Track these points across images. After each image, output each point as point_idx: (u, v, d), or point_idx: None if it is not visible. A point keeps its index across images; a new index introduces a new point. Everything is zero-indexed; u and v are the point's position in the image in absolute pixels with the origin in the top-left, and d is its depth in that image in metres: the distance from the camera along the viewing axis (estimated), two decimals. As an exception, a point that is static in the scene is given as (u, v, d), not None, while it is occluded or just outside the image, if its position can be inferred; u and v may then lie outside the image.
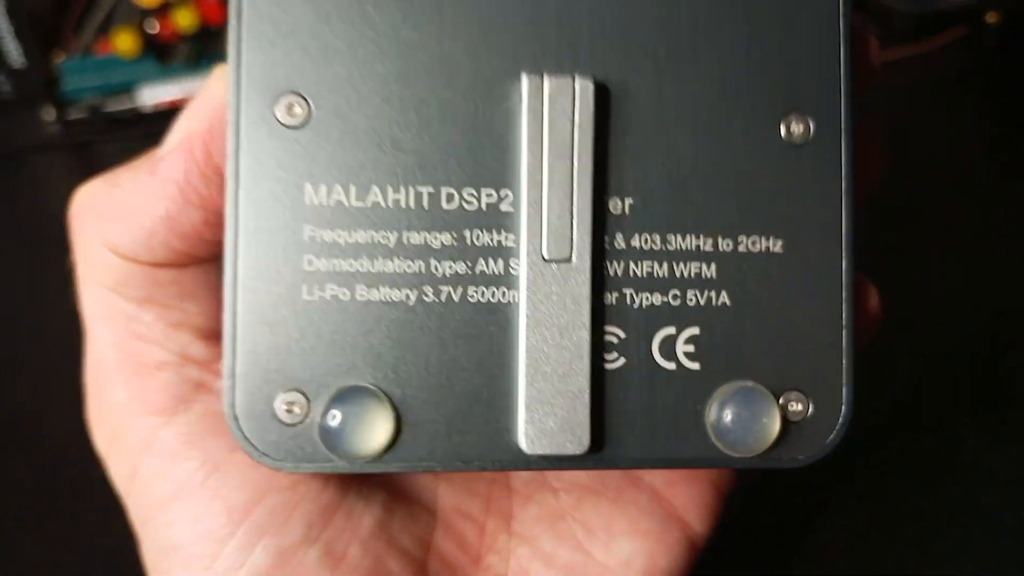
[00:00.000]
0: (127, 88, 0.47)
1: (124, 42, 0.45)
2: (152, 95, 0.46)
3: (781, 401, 0.18)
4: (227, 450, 0.19)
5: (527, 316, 0.17)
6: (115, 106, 0.46)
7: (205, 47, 0.48)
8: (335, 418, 0.17)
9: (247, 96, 0.17)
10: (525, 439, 0.17)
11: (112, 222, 0.19)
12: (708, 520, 0.22)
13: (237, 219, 0.17)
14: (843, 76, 0.18)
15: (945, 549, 0.32)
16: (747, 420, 0.18)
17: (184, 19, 0.45)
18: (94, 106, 0.46)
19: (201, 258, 0.20)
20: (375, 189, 0.17)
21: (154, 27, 0.46)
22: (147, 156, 0.20)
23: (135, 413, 0.19)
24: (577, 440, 0.18)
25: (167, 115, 0.46)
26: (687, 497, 0.22)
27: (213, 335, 0.20)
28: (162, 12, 0.46)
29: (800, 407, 0.18)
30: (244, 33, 0.17)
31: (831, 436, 0.19)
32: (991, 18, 0.55)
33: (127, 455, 0.20)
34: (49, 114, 0.46)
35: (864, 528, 0.32)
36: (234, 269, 0.17)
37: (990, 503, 0.32)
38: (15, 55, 0.45)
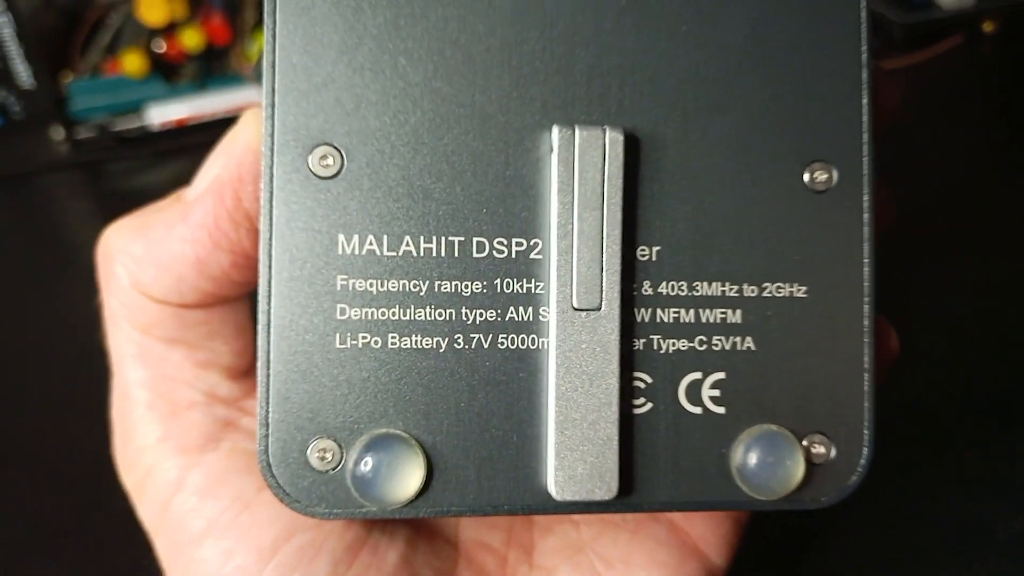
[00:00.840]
0: (135, 107, 0.47)
1: (132, 62, 0.46)
2: (160, 114, 0.47)
3: (804, 444, 0.19)
4: (255, 488, 0.20)
5: (557, 364, 0.18)
6: (123, 125, 0.47)
7: (211, 66, 0.48)
8: (367, 465, 0.17)
9: (281, 147, 0.17)
10: (555, 485, 0.18)
11: (143, 266, 0.19)
12: (726, 552, 0.22)
13: (271, 269, 0.17)
14: (865, 125, 0.19)
15: (940, 562, 0.32)
16: (772, 464, 0.18)
17: (190, 39, 0.46)
18: (103, 125, 0.47)
19: (229, 298, 0.20)
20: (407, 239, 0.18)
21: (161, 47, 0.47)
22: (175, 196, 0.20)
23: (166, 453, 0.20)
24: (606, 486, 0.18)
25: (175, 133, 0.47)
26: (705, 529, 0.22)
27: (240, 373, 0.21)
28: (169, 32, 0.46)
29: (823, 450, 0.19)
30: (278, 85, 0.17)
31: (853, 477, 0.19)
32: (988, 27, 0.56)
33: (158, 493, 0.20)
34: (58, 134, 0.47)
35: (864, 542, 0.32)
36: (268, 318, 0.17)
37: (985, 517, 0.33)
38: (24, 76, 0.45)
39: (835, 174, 0.19)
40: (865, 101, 0.19)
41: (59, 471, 0.34)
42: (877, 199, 0.19)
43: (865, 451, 0.19)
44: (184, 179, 0.20)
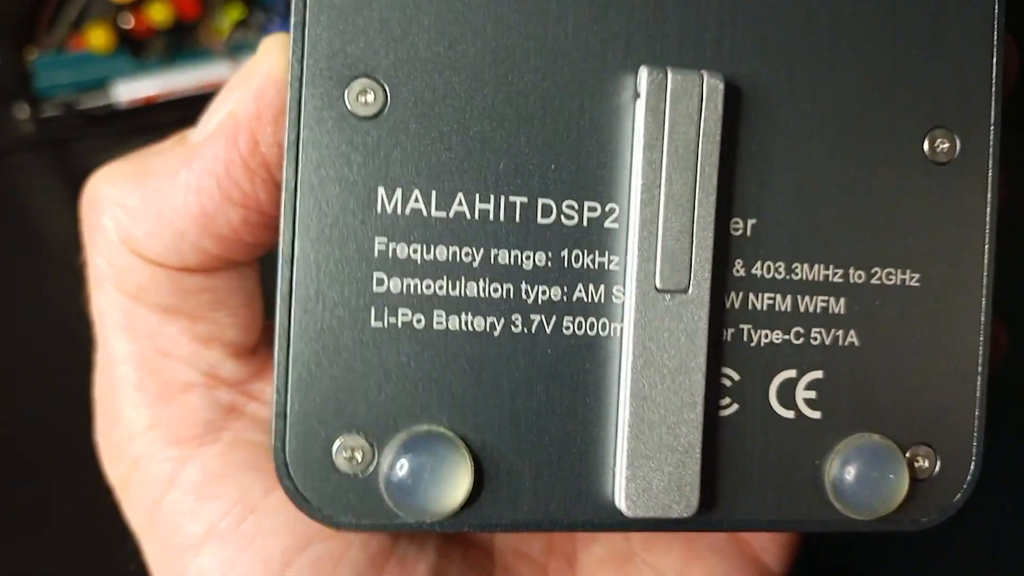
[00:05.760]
0: (101, 84, 0.45)
1: (98, 37, 0.44)
2: (127, 91, 0.45)
3: (908, 456, 0.16)
4: (262, 489, 0.17)
5: (633, 355, 0.15)
6: (90, 102, 0.45)
7: (180, 42, 0.47)
8: (404, 468, 0.15)
9: (312, 77, 0.14)
10: (625, 499, 0.15)
11: (137, 220, 0.16)
12: (786, 560, 0.20)
13: (295, 226, 0.14)
14: (994, 89, 0.16)
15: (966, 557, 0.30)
16: (875, 480, 0.16)
17: (158, 13, 0.45)
18: (68, 103, 0.45)
19: (236, 262, 0.17)
20: (460, 197, 0.15)
21: (128, 22, 0.45)
22: (178, 138, 0.17)
23: (157, 443, 0.17)
24: (685, 501, 0.15)
25: (143, 111, 0.45)
26: (766, 538, 0.20)
27: (247, 351, 0.18)
28: (136, 7, 0.45)
29: (927, 463, 0.16)
30: (311, 2, 0.14)
31: (958, 495, 0.17)
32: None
33: (147, 490, 0.17)
34: (23, 111, 0.45)
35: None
36: (289, 287, 0.15)
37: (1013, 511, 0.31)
38: (-13, 52, 0.43)
39: (958, 143, 0.16)
40: (996, 60, 0.16)
41: (28, 458, 0.31)
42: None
43: (972, 466, 0.17)
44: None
